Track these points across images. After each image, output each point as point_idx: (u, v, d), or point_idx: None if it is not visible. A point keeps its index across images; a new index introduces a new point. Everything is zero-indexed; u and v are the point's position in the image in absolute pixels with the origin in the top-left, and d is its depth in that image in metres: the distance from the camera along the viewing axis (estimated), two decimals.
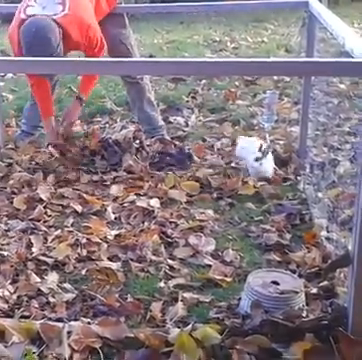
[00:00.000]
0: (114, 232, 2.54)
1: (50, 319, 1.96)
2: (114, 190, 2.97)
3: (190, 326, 1.85)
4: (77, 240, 2.46)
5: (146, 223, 2.63)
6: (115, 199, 2.89)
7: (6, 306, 2.04)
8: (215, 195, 2.92)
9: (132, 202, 2.83)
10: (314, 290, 2.06)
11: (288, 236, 2.49)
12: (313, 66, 1.71)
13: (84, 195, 2.91)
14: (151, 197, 2.87)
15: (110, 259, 2.35)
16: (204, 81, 5.10)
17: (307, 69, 1.74)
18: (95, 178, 3.12)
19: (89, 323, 1.90)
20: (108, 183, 3.07)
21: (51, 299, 2.09)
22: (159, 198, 2.86)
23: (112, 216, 2.71)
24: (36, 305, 2.05)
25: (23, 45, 3.02)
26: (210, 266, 2.29)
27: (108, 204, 2.82)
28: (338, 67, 1.65)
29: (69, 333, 1.84)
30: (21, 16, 3.10)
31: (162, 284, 2.16)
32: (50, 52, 2.96)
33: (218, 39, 7.64)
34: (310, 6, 2.97)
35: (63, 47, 3.07)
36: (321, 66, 1.68)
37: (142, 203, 2.80)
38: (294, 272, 2.17)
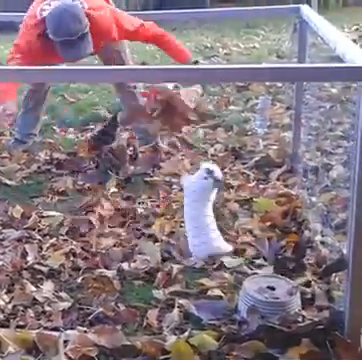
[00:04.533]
0: (110, 240, 2.54)
1: (46, 328, 1.95)
2: (109, 197, 2.97)
3: (187, 333, 1.85)
4: (72, 249, 2.45)
5: (142, 230, 2.62)
6: (110, 206, 2.88)
7: (1, 316, 2.03)
8: None
9: (128, 209, 2.83)
10: (310, 295, 2.06)
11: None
12: (305, 72, 1.71)
13: (78, 203, 2.90)
14: (147, 204, 2.87)
15: (106, 267, 2.35)
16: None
17: (300, 75, 1.74)
18: (89, 186, 3.11)
19: (85, 332, 1.90)
20: (103, 190, 3.07)
21: (47, 308, 2.07)
22: (155, 205, 2.86)
23: (107, 224, 2.71)
24: (32, 314, 2.04)
25: (51, 23, 2.94)
26: (206, 272, 2.29)
27: (103, 212, 2.81)
28: (330, 72, 1.66)
29: (65, 342, 1.84)
30: (37, 18, 3.01)
31: (158, 291, 2.16)
32: (80, 29, 2.91)
33: (210, 45, 7.67)
34: (301, 12, 2.99)
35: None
36: (314, 72, 1.68)
37: (138, 210, 2.80)
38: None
